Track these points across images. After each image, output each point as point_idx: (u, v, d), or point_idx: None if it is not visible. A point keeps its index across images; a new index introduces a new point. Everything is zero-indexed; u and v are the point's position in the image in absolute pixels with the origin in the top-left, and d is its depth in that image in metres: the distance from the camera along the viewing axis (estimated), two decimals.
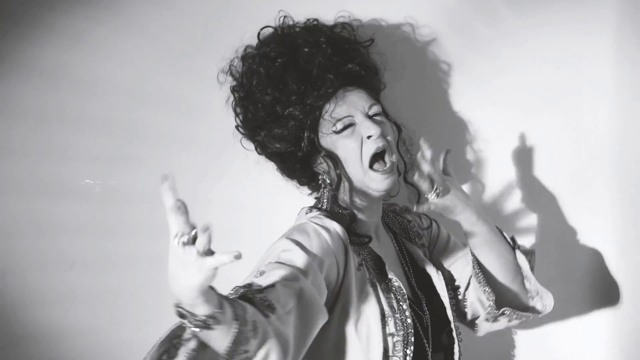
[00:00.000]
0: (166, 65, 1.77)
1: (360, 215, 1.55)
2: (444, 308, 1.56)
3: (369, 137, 1.48)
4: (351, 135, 1.49)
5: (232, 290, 1.18)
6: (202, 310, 1.01)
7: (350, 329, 1.40)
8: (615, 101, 1.85)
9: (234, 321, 1.05)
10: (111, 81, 1.75)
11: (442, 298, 1.57)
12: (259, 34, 1.62)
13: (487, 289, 1.57)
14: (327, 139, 1.51)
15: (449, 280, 1.67)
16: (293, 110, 1.51)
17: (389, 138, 1.51)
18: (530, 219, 1.95)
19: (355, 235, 1.48)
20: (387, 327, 1.41)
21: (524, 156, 1.89)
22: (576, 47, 1.86)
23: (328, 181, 1.53)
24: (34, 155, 1.73)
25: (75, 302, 1.75)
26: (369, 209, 1.55)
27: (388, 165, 1.49)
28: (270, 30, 1.63)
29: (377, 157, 1.50)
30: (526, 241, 1.93)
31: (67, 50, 1.71)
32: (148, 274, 1.71)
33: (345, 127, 1.49)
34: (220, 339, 1.04)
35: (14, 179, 1.73)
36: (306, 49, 1.53)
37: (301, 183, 1.64)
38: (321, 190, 1.55)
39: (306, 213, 1.53)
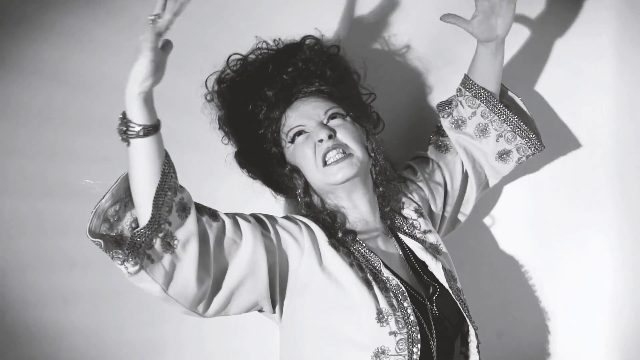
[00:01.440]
0: (166, 65, 1.77)
1: (342, 215, 1.55)
2: (454, 301, 1.50)
3: (320, 140, 1.50)
4: (305, 141, 1.53)
5: None
6: (138, 117, 1.27)
7: (326, 325, 1.41)
8: (615, 101, 1.86)
9: (166, 161, 1.29)
10: (112, 81, 1.74)
11: (447, 288, 1.51)
12: (228, 59, 1.65)
13: (527, 130, 1.68)
14: (288, 153, 1.56)
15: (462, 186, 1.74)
16: (253, 130, 1.59)
17: (345, 141, 1.52)
18: (530, 218, 1.95)
19: (337, 233, 1.50)
20: (386, 326, 1.39)
21: None
22: (576, 47, 1.87)
23: (302, 194, 1.56)
24: (34, 155, 1.73)
25: (76, 302, 1.75)
26: (353, 208, 1.56)
27: (340, 155, 1.50)
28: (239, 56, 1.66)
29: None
30: (526, 240, 1.93)
31: (68, 51, 1.71)
32: None
33: (296, 135, 1.54)
34: (148, 163, 1.29)
35: (14, 179, 1.73)
36: (251, 71, 1.61)
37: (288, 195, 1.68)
38: (300, 201, 1.57)
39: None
